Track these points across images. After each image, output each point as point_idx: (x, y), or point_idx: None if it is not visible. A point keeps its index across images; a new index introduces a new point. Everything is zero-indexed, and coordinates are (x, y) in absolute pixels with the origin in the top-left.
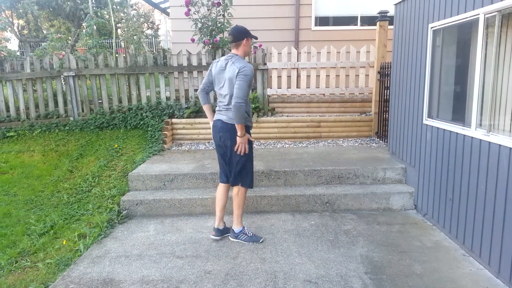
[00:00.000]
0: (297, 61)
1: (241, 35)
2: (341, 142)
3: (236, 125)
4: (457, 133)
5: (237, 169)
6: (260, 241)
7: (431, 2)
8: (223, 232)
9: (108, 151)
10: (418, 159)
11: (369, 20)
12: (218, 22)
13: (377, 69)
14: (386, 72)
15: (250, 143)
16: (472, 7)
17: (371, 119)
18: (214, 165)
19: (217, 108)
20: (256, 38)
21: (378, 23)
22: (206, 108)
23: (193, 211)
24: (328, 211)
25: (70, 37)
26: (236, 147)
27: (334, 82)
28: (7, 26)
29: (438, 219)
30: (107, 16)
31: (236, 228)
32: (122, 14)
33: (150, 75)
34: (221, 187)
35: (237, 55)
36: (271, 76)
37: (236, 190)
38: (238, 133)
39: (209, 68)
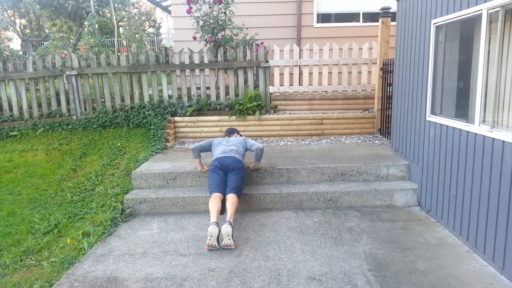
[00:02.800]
0: (299, 58)
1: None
2: (344, 139)
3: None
4: (460, 129)
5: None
6: None
7: None
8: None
9: (111, 149)
10: (421, 156)
11: (371, 17)
12: (219, 20)
13: (380, 65)
14: (389, 69)
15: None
16: (475, 3)
17: (374, 116)
18: None
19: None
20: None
21: (380, 20)
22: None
23: (196, 209)
24: (331, 208)
25: (72, 36)
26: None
27: (337, 79)
28: (9, 26)
29: (442, 215)
30: (108, 15)
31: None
32: (123, 13)
33: (152, 74)
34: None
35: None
36: (273, 74)
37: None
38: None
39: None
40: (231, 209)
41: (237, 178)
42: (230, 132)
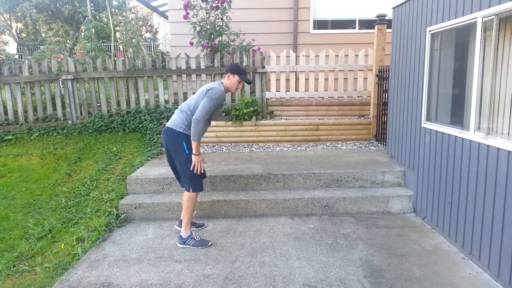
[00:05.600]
0: (296, 64)
1: (228, 69)
2: (340, 145)
3: (192, 142)
4: (455, 136)
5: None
6: (208, 244)
7: (429, 5)
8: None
9: (107, 154)
10: (417, 162)
11: (367, 24)
12: (216, 26)
13: (376, 72)
14: (385, 76)
15: (189, 152)
16: (470, 11)
17: (369, 122)
18: (212, 168)
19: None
20: (249, 83)
21: (376, 27)
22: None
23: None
24: (327, 215)
25: (68, 40)
26: (192, 166)
27: (333, 85)
28: (5, 29)
29: (437, 222)
30: (105, 19)
31: (184, 233)
32: (120, 17)
33: (149, 78)
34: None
35: (221, 83)
36: (269, 80)
37: (186, 195)
38: (194, 151)
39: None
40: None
41: (177, 163)
42: (224, 71)
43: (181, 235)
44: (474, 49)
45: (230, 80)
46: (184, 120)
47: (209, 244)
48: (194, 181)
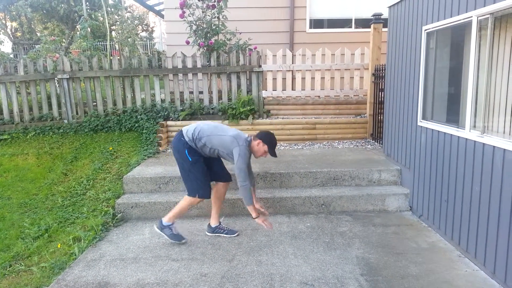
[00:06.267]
0: (292, 63)
1: (262, 136)
2: (336, 144)
3: (248, 207)
4: (451, 134)
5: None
6: (182, 241)
7: (424, 4)
8: (214, 230)
9: (103, 153)
10: (413, 161)
11: (363, 23)
12: (213, 25)
13: (372, 71)
14: (381, 74)
15: (192, 159)
16: (465, 10)
17: (366, 121)
18: None
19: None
20: (274, 155)
21: (372, 26)
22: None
23: (188, 214)
24: (324, 213)
25: (64, 40)
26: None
27: (329, 84)
28: (0, 28)
29: (433, 220)
30: (101, 19)
31: (166, 221)
32: (116, 17)
33: (145, 78)
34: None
35: (248, 139)
36: (266, 78)
37: (188, 198)
38: (253, 215)
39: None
40: (174, 208)
41: (180, 171)
42: (257, 134)
43: (162, 220)
44: (469, 48)
45: (259, 147)
46: (191, 137)
47: (182, 241)
48: (199, 187)
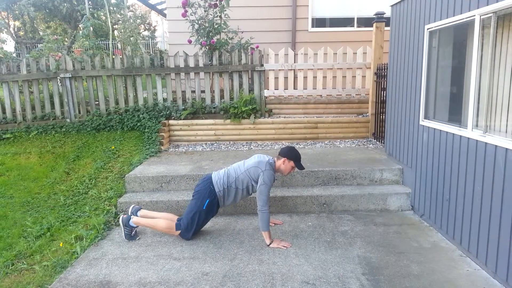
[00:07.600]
0: (294, 62)
1: (285, 153)
2: (338, 143)
3: (263, 233)
4: (453, 134)
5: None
6: (131, 240)
7: (427, 3)
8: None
9: (105, 152)
10: (415, 160)
11: (365, 22)
12: (215, 24)
13: (374, 70)
14: (383, 73)
15: (206, 209)
16: (468, 9)
17: (368, 120)
18: (211, 166)
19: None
20: (301, 168)
21: (374, 25)
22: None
23: None
24: (326, 212)
25: (66, 39)
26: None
27: (331, 83)
28: (3, 28)
29: (435, 219)
30: (103, 18)
31: (132, 221)
32: (118, 16)
33: (147, 77)
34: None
35: (272, 161)
36: (268, 77)
37: (170, 225)
38: (267, 241)
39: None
40: (149, 219)
41: (190, 203)
42: (280, 153)
43: (131, 219)
44: (472, 47)
45: (285, 165)
46: (224, 186)
47: (131, 240)
48: (189, 229)
